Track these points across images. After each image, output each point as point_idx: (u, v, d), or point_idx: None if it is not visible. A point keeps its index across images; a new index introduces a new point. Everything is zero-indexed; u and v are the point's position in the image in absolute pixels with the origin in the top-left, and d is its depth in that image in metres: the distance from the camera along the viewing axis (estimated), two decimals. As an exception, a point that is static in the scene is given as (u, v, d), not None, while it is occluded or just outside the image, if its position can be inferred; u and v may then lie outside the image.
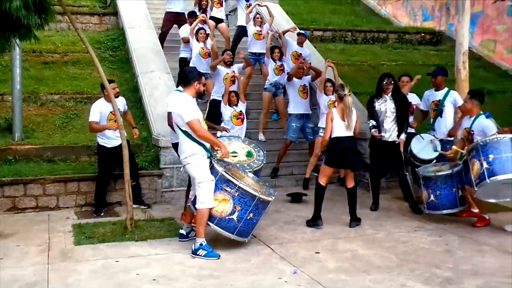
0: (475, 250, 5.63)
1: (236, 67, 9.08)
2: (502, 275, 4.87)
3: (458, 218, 6.87)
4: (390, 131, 7.21)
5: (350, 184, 6.64)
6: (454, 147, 6.83)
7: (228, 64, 8.98)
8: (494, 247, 5.71)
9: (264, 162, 6.77)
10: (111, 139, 7.18)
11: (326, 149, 6.65)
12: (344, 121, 6.44)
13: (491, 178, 5.88)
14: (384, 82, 7.16)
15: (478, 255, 5.44)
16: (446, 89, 7.51)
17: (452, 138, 7.43)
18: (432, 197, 6.73)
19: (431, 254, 5.46)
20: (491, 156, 5.95)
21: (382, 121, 7.22)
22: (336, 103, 6.87)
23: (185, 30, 10.29)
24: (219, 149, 5.57)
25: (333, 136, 6.48)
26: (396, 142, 7.17)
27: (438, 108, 7.46)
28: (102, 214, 7.12)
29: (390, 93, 7.20)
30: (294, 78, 8.91)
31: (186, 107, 5.39)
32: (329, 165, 6.56)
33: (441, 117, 7.45)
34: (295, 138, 8.89)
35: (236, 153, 6.26)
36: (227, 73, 8.80)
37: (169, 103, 5.68)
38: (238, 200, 5.46)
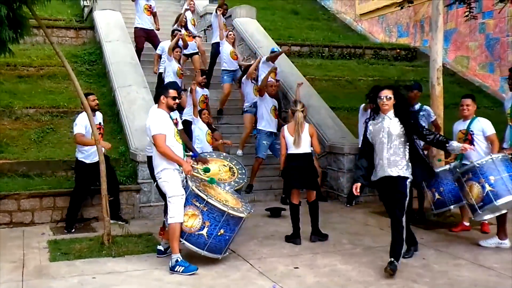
0: (451, 264, 5.69)
1: (207, 91, 9.26)
2: (478, 288, 4.94)
3: (436, 231, 6.97)
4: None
5: (310, 198, 6.64)
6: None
7: (203, 85, 9.07)
8: (469, 261, 5.78)
9: (245, 181, 6.76)
10: (91, 155, 7.09)
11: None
12: (293, 136, 6.47)
13: (498, 201, 5.93)
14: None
15: (454, 269, 5.50)
16: (418, 104, 7.63)
17: (426, 152, 7.54)
18: (437, 195, 6.85)
19: (408, 269, 5.50)
20: (491, 178, 5.99)
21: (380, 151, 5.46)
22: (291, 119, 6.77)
23: (162, 46, 10.36)
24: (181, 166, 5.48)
25: (287, 152, 6.56)
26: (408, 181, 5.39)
27: (413, 123, 7.55)
28: (73, 230, 6.98)
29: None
30: (266, 95, 8.88)
31: (154, 121, 5.44)
32: (284, 183, 6.66)
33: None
34: (265, 155, 8.89)
35: (208, 171, 6.08)
36: (202, 94, 8.95)
37: None
38: (207, 216, 5.43)
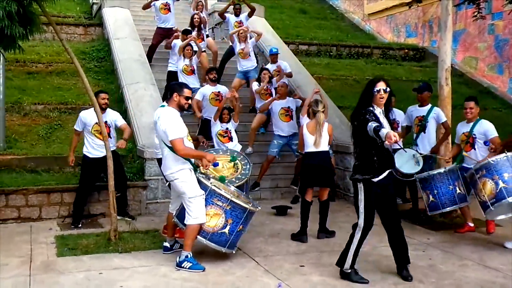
0: (457, 265, 5.68)
1: (220, 87, 9.07)
2: (484, 289, 4.93)
3: (442, 232, 6.96)
4: None
5: (322, 197, 6.70)
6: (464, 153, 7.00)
7: (214, 81, 9.00)
8: (475, 262, 5.77)
9: (248, 176, 6.78)
10: (94, 149, 7.15)
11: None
12: (313, 136, 6.55)
13: (510, 197, 5.94)
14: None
15: (460, 270, 5.49)
16: (429, 105, 7.61)
17: (434, 154, 7.54)
18: (431, 198, 6.87)
19: (414, 269, 5.48)
20: (505, 175, 6.02)
21: None
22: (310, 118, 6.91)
23: (175, 43, 10.36)
24: (200, 161, 5.51)
25: (305, 151, 6.63)
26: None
27: (422, 124, 7.55)
28: (80, 226, 7.02)
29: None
30: (275, 101, 8.84)
31: (171, 125, 5.28)
32: (301, 181, 6.66)
33: (425, 132, 7.54)
34: (275, 153, 8.81)
35: (217, 165, 6.17)
36: (212, 92, 8.87)
37: (156, 118, 5.55)
38: (230, 214, 5.45)
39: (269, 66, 10.01)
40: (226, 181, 6.30)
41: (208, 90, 8.94)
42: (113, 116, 7.41)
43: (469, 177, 6.50)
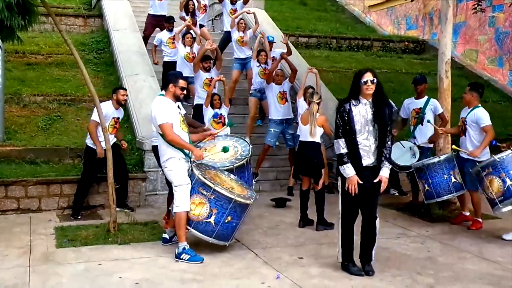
0: (456, 257, 5.70)
1: (213, 72, 9.04)
2: (482, 282, 4.94)
3: (441, 224, 6.97)
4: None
5: (315, 188, 6.79)
6: (453, 146, 7.05)
7: (207, 69, 8.98)
8: (474, 254, 5.79)
9: (249, 156, 6.72)
10: (101, 142, 7.14)
11: None
12: (305, 126, 6.70)
13: None
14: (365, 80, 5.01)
15: (459, 262, 5.51)
16: (426, 97, 7.61)
17: (431, 145, 7.56)
18: (426, 187, 6.93)
19: (413, 261, 5.51)
20: None
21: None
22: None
23: (159, 37, 10.34)
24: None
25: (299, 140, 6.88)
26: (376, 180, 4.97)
27: (419, 116, 7.56)
28: (80, 217, 7.03)
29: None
30: (272, 83, 8.88)
31: (160, 110, 5.42)
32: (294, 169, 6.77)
33: (422, 124, 7.55)
34: (272, 142, 8.81)
35: (227, 150, 6.17)
36: (206, 77, 8.85)
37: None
38: (214, 203, 5.45)
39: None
40: (227, 162, 6.36)
41: (201, 76, 8.90)
42: (122, 113, 7.57)
43: (475, 174, 6.50)
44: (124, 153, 8.06)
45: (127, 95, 7.54)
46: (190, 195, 5.44)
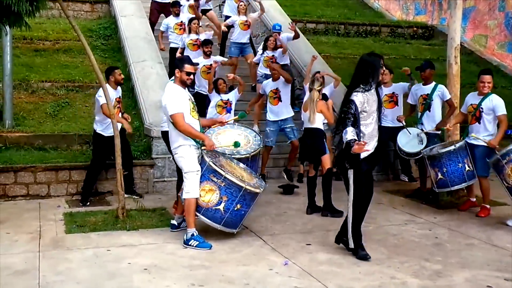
0: (463, 243, 5.69)
1: (214, 58, 8.87)
2: (489, 268, 4.94)
3: (449, 211, 6.97)
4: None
5: (310, 173, 6.94)
6: (472, 134, 6.92)
7: (208, 55, 8.89)
8: (482, 240, 5.78)
9: (261, 146, 6.85)
10: (109, 127, 7.12)
11: None
12: (306, 112, 6.79)
13: None
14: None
15: (467, 249, 5.50)
16: (433, 83, 7.55)
17: (439, 132, 7.52)
18: (440, 175, 6.86)
19: (421, 247, 5.51)
20: None
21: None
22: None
23: (166, 23, 10.30)
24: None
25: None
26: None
27: (426, 102, 7.51)
28: (88, 204, 7.06)
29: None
30: (270, 80, 8.45)
31: (171, 100, 5.39)
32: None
33: (429, 111, 7.50)
34: (270, 142, 8.33)
35: (239, 145, 6.18)
36: (204, 64, 8.77)
37: None
38: (224, 191, 5.46)
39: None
40: (243, 151, 6.45)
41: (200, 62, 8.64)
42: (119, 91, 7.41)
43: (493, 163, 6.43)
44: (132, 140, 8.10)
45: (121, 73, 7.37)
46: (201, 182, 5.45)
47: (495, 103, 6.68)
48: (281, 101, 8.34)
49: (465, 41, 14.16)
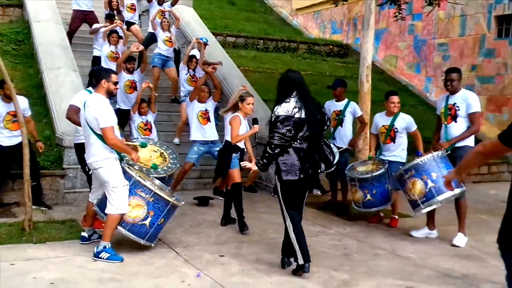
0: (370, 254, 5.93)
1: (137, 74, 8.90)
2: (394, 277, 5.17)
3: (358, 222, 7.24)
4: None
5: (228, 185, 6.97)
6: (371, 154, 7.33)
7: (130, 71, 8.81)
8: (388, 251, 6.05)
9: (177, 165, 6.85)
10: (8, 137, 6.85)
11: None
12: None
13: (440, 196, 6.13)
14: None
15: (373, 259, 5.74)
16: (346, 100, 7.84)
17: (350, 147, 7.83)
18: (368, 196, 6.99)
19: (330, 258, 5.68)
20: (433, 175, 6.19)
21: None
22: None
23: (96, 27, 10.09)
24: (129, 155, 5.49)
25: None
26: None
27: (339, 118, 7.77)
28: None
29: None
30: (195, 101, 8.12)
31: (103, 112, 5.19)
32: None
33: (342, 126, 7.77)
34: (194, 159, 8.06)
35: (145, 146, 6.18)
36: (128, 79, 8.71)
37: (77, 99, 5.67)
38: (152, 206, 5.40)
39: (196, 52, 9.91)
40: (160, 170, 6.38)
41: (123, 78, 8.60)
42: (23, 103, 6.91)
43: (397, 177, 6.68)
44: (38, 150, 7.78)
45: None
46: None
47: (408, 121, 7.04)
48: (209, 121, 8.17)
49: (377, 60, 14.86)
